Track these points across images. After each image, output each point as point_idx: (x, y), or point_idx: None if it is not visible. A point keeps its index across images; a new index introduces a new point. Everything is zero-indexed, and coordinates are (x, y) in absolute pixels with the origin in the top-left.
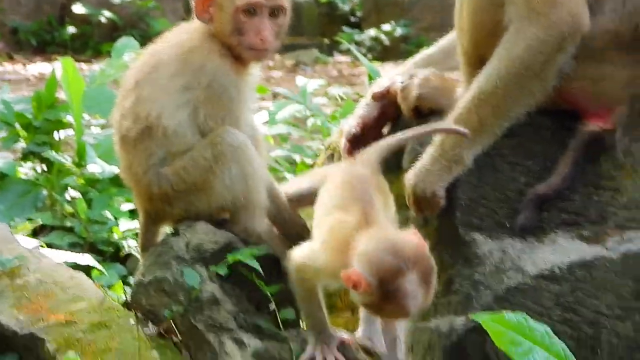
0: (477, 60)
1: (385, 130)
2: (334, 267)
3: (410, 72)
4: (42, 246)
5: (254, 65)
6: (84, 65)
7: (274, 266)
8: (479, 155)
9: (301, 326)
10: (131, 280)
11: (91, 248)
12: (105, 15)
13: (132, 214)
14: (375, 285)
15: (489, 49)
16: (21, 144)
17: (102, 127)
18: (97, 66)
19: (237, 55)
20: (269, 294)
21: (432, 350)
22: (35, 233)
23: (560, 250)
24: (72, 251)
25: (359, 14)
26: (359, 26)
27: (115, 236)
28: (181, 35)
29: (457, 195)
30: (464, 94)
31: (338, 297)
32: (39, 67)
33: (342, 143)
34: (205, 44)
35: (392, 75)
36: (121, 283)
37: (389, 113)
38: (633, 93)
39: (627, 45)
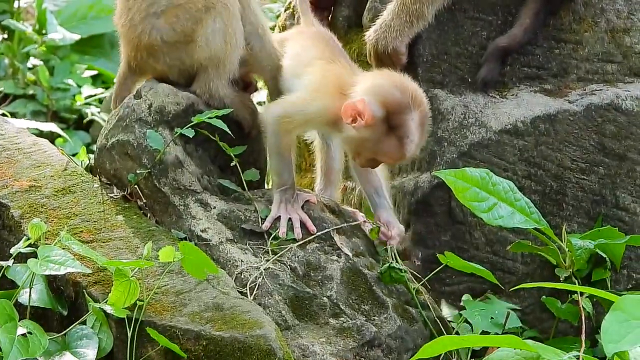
0: None
1: None
2: (327, 110)
3: None
4: (4, 114)
5: None
6: None
7: (237, 131)
8: (440, 11)
9: (266, 187)
10: (95, 147)
11: (54, 116)
12: None
13: (95, 80)
14: (381, 116)
15: None
16: None
17: None
18: None
19: None
20: (233, 155)
21: (397, 208)
22: None
23: (523, 105)
24: (35, 120)
25: None
26: None
27: (78, 103)
28: None
29: (419, 51)
30: None
31: (303, 158)
32: None
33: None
34: None
35: None
36: (85, 150)
37: None
38: None
39: None
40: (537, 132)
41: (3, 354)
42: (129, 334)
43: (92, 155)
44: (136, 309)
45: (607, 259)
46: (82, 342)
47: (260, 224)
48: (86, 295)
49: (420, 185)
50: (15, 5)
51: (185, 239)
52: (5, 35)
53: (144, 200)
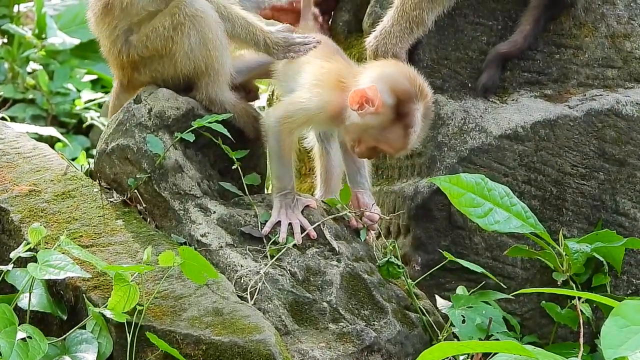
0: None
1: None
2: (328, 104)
3: None
4: (4, 119)
5: None
6: None
7: (237, 135)
8: (440, 16)
9: (266, 192)
10: (95, 151)
11: (54, 120)
12: None
13: (94, 85)
14: (390, 104)
15: None
16: None
17: None
18: None
19: None
20: (235, 159)
21: (397, 213)
22: None
23: (524, 110)
24: (35, 124)
25: None
26: None
27: (78, 108)
28: None
29: (419, 56)
30: None
31: (302, 163)
32: None
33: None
34: None
35: None
36: (84, 154)
37: None
38: None
39: None
40: (537, 138)
41: (3, 359)
42: (129, 339)
43: (91, 160)
44: (136, 313)
45: (604, 263)
46: (82, 346)
47: (260, 229)
48: (86, 299)
49: (420, 190)
50: (15, 9)
51: (185, 243)
52: (5, 40)
53: (144, 205)
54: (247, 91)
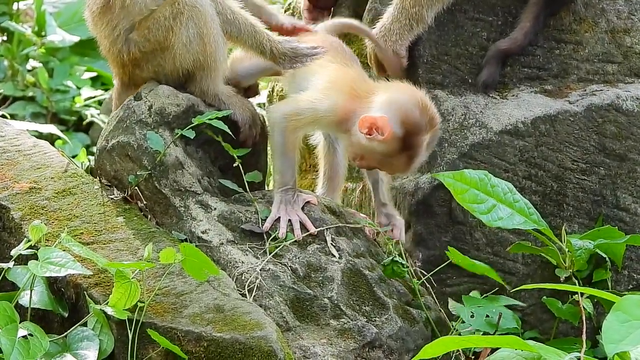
0: None
1: None
2: (338, 109)
3: None
4: (4, 116)
5: None
6: None
7: (235, 131)
8: (440, 12)
9: (266, 188)
10: (95, 148)
11: (54, 118)
12: None
13: (94, 82)
14: (399, 135)
15: None
16: None
17: None
18: None
19: None
20: (236, 156)
21: (398, 209)
22: None
23: (524, 105)
24: (35, 122)
25: None
26: None
27: (78, 105)
28: None
29: (419, 52)
30: None
31: (304, 159)
32: None
33: (303, 3)
34: None
35: None
36: (85, 151)
37: None
38: None
39: None
40: (538, 133)
41: (4, 356)
42: (130, 336)
43: (92, 157)
44: (137, 310)
45: (607, 259)
46: (83, 343)
47: (260, 225)
48: (87, 297)
49: (420, 186)
50: (15, 7)
51: (185, 240)
52: (5, 37)
53: (145, 202)
54: (246, 87)
